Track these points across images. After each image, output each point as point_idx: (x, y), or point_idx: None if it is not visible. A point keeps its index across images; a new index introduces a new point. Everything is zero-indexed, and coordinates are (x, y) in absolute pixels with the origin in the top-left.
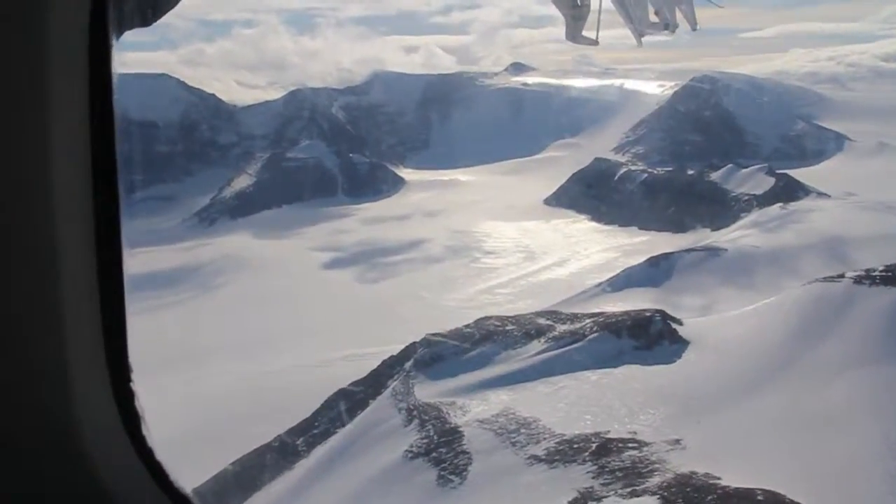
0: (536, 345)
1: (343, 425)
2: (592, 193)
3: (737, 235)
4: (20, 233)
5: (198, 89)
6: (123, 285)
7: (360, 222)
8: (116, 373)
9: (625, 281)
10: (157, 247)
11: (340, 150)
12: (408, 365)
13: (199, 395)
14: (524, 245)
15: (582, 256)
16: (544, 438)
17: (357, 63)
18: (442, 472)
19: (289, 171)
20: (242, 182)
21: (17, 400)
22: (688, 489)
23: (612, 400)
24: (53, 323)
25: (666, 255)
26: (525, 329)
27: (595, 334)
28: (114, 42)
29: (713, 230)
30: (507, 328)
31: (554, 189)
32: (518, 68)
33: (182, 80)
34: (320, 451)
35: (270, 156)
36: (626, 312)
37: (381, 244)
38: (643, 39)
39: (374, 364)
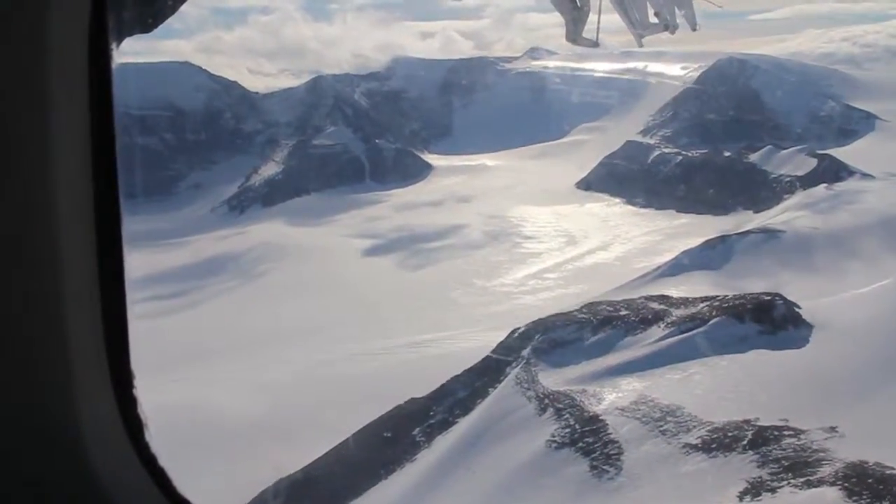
0: (657, 330)
1: (463, 414)
2: (625, 177)
3: (787, 217)
4: (21, 239)
5: (220, 77)
6: (125, 291)
7: (392, 209)
8: (119, 379)
9: (683, 264)
10: (191, 236)
11: (366, 136)
12: (525, 352)
13: (274, 383)
14: (563, 229)
15: (624, 240)
16: (694, 426)
17: (374, 49)
18: (594, 463)
19: (316, 157)
20: (270, 169)
21: (18, 407)
22: (868, 479)
23: (750, 386)
24: (55, 329)
25: (722, 238)
26: (640, 314)
27: (716, 319)
28: (114, 49)
29: (755, 212)
30: (621, 313)
31: (584, 173)
32: (537, 52)
33: (205, 68)
34: (445, 442)
35: (296, 143)
36: (743, 296)
37: (417, 230)
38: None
39: (437, 350)
